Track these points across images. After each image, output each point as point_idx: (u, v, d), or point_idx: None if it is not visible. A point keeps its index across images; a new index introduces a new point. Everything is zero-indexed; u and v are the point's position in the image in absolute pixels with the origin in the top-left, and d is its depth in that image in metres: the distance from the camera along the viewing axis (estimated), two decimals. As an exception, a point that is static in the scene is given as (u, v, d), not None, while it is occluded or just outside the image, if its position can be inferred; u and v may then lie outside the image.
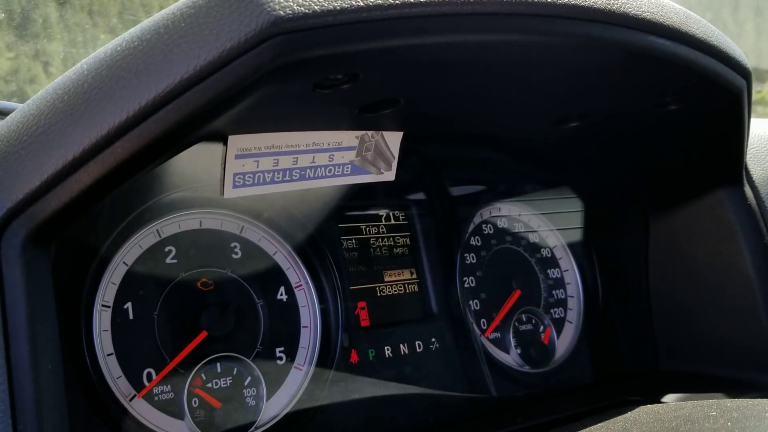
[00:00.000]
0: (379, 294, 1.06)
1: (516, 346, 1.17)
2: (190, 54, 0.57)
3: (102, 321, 0.85)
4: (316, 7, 0.57)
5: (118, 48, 0.61)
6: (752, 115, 1.03)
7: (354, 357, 1.00)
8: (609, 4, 0.72)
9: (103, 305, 0.85)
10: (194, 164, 0.88)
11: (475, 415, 1.04)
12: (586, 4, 0.70)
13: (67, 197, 0.61)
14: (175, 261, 0.92)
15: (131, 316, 0.87)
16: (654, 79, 0.86)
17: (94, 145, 0.59)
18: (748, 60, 0.94)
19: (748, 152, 1.12)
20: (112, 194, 0.64)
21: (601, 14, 0.71)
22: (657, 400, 0.99)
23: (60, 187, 0.61)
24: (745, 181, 1.12)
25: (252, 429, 0.90)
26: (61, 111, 0.61)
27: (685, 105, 0.94)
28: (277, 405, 0.94)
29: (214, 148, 0.81)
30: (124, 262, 0.88)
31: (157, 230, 0.91)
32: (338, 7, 0.58)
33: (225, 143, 0.78)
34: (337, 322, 1.00)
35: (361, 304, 1.04)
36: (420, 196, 1.13)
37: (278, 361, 0.96)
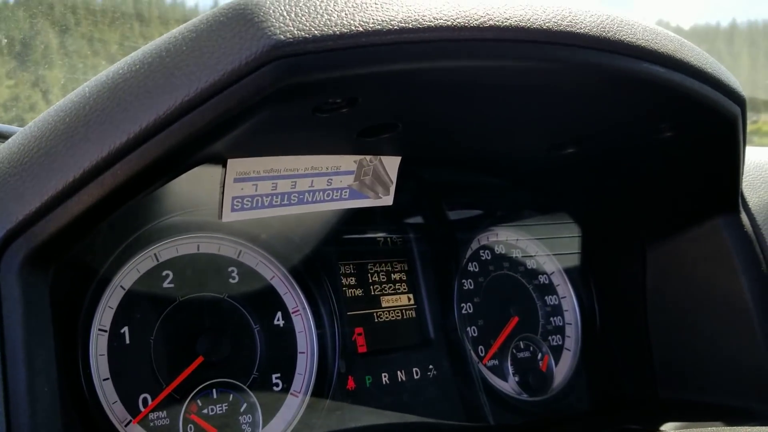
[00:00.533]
0: (376, 320, 1.06)
1: (514, 374, 1.16)
2: (192, 77, 0.58)
3: (99, 345, 0.84)
4: (315, 32, 0.58)
5: (120, 71, 0.62)
6: (747, 144, 1.04)
7: (351, 383, 1.00)
8: (604, 31, 0.73)
9: (100, 329, 0.85)
10: (192, 188, 0.88)
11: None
12: (582, 31, 0.71)
13: (67, 219, 0.61)
14: (172, 285, 0.91)
15: (128, 341, 0.86)
16: (650, 105, 0.87)
17: (94, 166, 0.60)
18: (743, 89, 0.95)
19: (743, 180, 1.13)
20: (111, 217, 0.64)
21: (596, 41, 0.72)
22: (655, 429, 0.98)
23: (60, 209, 0.61)
24: (741, 209, 1.13)
25: (248, 456, 0.89)
26: (62, 133, 0.62)
27: (680, 132, 0.94)
28: (273, 431, 0.93)
29: (213, 172, 0.82)
30: (121, 286, 0.88)
31: (155, 254, 0.91)
32: (337, 32, 0.59)
33: (224, 167, 0.78)
34: (334, 348, 1.00)
35: (359, 329, 1.03)
36: (418, 220, 1.14)
37: (274, 388, 0.95)
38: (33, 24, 1.75)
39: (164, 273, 0.91)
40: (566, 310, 1.27)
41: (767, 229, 1.16)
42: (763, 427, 0.74)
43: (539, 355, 1.20)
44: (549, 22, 0.69)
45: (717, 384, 1.13)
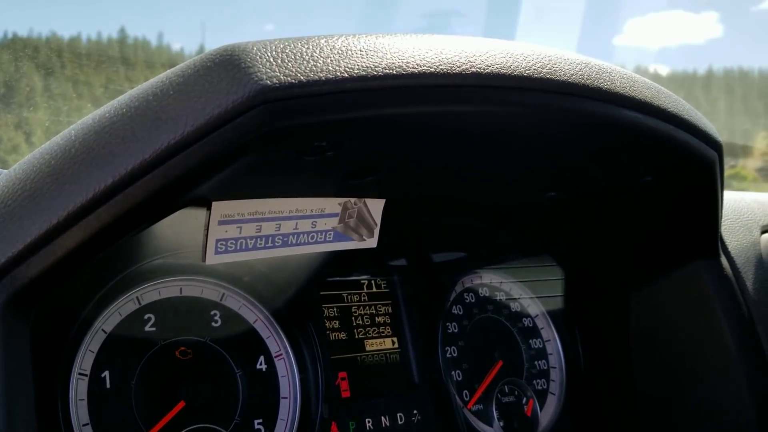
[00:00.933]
0: (360, 363, 1.05)
1: (499, 419, 1.15)
2: (178, 120, 0.59)
3: (78, 390, 0.83)
4: (301, 78, 0.59)
5: (106, 114, 0.62)
6: (727, 188, 1.07)
7: (334, 429, 0.98)
8: (583, 78, 0.75)
9: (80, 373, 0.84)
10: (175, 230, 0.88)
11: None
12: (562, 78, 0.73)
13: (49, 261, 0.61)
14: (154, 329, 0.91)
15: (108, 385, 0.85)
16: (628, 151, 0.89)
17: (79, 209, 0.60)
18: (720, 135, 0.98)
19: (723, 224, 1.15)
20: (94, 260, 0.64)
21: (575, 88, 0.74)
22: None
23: (43, 252, 0.61)
24: (721, 253, 1.14)
25: (229, 504, 0.87)
26: (47, 175, 0.62)
27: (659, 177, 0.96)
28: (255, 479, 0.91)
29: (196, 214, 0.82)
30: (103, 330, 0.87)
31: (137, 297, 0.91)
32: (323, 78, 0.60)
33: (208, 209, 0.79)
34: (317, 393, 0.99)
35: (342, 374, 1.02)
36: (402, 263, 1.14)
37: (257, 433, 0.94)
38: (18, 66, 1.76)
39: (146, 316, 0.91)
40: (551, 354, 1.27)
41: (747, 273, 1.17)
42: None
43: (524, 400, 1.19)
44: (529, 69, 0.71)
45: (700, 428, 1.12)
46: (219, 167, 0.62)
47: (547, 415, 1.22)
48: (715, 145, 0.94)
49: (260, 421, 0.94)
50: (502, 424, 1.15)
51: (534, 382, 1.23)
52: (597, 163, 0.92)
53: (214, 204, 0.78)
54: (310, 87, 0.60)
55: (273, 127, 0.60)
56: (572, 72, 0.74)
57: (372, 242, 0.94)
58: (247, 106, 0.58)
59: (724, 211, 1.17)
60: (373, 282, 1.10)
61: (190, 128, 0.58)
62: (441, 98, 0.67)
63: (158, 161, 0.59)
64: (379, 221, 0.93)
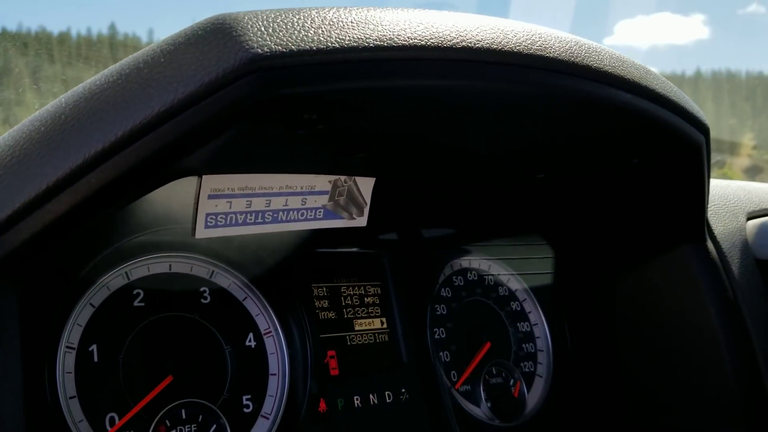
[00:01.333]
0: (349, 343, 1.05)
1: (486, 399, 1.16)
2: (169, 88, 0.59)
3: (66, 363, 0.83)
4: (292, 47, 0.60)
5: (97, 82, 0.62)
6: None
7: (322, 406, 0.99)
8: (573, 56, 0.75)
9: (67, 347, 0.84)
10: (165, 206, 0.88)
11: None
12: (552, 55, 0.73)
13: (38, 227, 0.61)
14: (142, 304, 0.91)
15: (96, 359, 0.85)
16: (617, 132, 0.90)
17: (68, 175, 0.60)
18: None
19: (709, 209, 1.16)
20: (83, 228, 0.64)
21: (564, 65, 0.74)
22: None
23: (32, 218, 0.61)
24: (708, 237, 1.15)
25: (216, 479, 0.88)
26: (37, 142, 0.62)
27: (647, 159, 0.97)
28: (242, 454, 0.92)
29: (185, 189, 0.82)
30: (90, 304, 0.87)
31: (126, 272, 0.91)
32: (314, 48, 0.60)
33: (199, 183, 0.79)
34: (306, 371, 0.99)
35: (331, 352, 1.03)
36: (391, 243, 1.14)
37: (245, 410, 0.94)
38: (6, 61, 1.75)
39: (135, 292, 0.91)
40: (538, 337, 1.28)
41: (733, 258, 1.19)
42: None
43: (511, 381, 1.20)
44: (519, 45, 0.71)
45: (687, 410, 1.14)
46: (209, 136, 0.62)
47: (534, 396, 1.23)
48: (703, 129, 0.95)
49: (249, 396, 0.95)
50: (489, 404, 1.16)
51: (521, 364, 1.24)
52: (585, 144, 0.93)
53: (204, 177, 0.78)
54: (300, 57, 0.60)
55: (263, 97, 0.60)
56: (562, 50, 0.75)
57: (362, 221, 0.94)
58: (238, 74, 0.58)
59: (711, 197, 1.19)
60: (362, 262, 1.11)
61: (180, 95, 0.59)
62: (430, 72, 0.67)
63: (148, 128, 0.59)
64: (369, 200, 0.93)
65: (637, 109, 0.84)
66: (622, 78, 0.81)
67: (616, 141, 0.92)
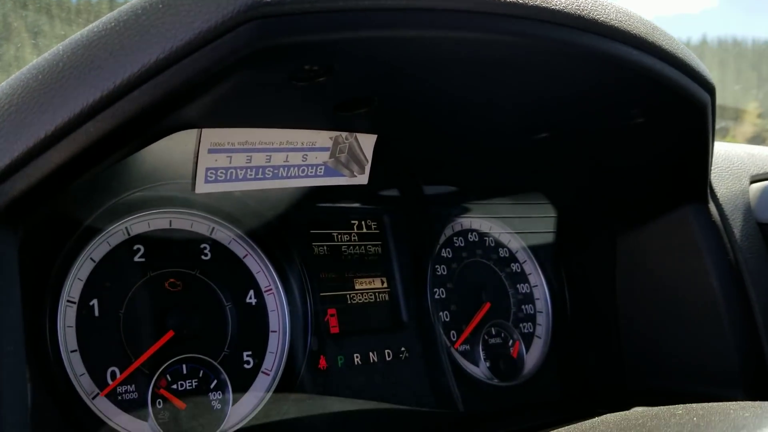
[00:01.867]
0: (349, 301, 1.06)
1: (485, 359, 1.17)
2: (167, 35, 0.58)
3: (67, 317, 0.83)
4: (293, -6, 0.58)
5: (95, 29, 0.61)
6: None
7: (323, 363, 0.99)
8: (578, 9, 0.74)
9: (68, 301, 0.84)
10: (165, 160, 0.88)
11: (443, 428, 1.03)
12: (557, 8, 0.72)
13: (37, 176, 0.60)
14: (143, 260, 0.91)
15: (97, 313, 0.85)
16: (621, 89, 0.88)
17: (66, 124, 0.59)
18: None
19: (712, 171, 1.15)
20: (82, 185, 0.64)
21: (570, 19, 0.73)
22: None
23: (31, 166, 0.60)
24: (710, 199, 1.15)
25: (216, 432, 0.88)
26: (35, 90, 0.61)
27: (651, 118, 0.96)
28: (243, 409, 0.92)
29: (185, 144, 0.81)
30: (91, 258, 0.87)
31: (126, 228, 0.91)
32: (317, -6, 0.59)
33: (198, 137, 0.78)
34: (306, 328, 1.00)
35: (331, 310, 1.03)
36: (393, 202, 1.14)
37: (245, 365, 0.95)
38: (6, 25, 1.72)
39: (135, 247, 0.91)
40: (537, 299, 1.28)
41: (735, 221, 1.18)
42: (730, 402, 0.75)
43: (510, 342, 1.20)
44: (525, -3, 0.70)
45: (685, 372, 1.14)
46: (208, 86, 0.61)
47: (532, 357, 1.23)
48: (708, 88, 0.94)
49: (249, 353, 0.95)
50: (488, 364, 1.16)
51: (520, 325, 1.24)
52: (588, 101, 0.92)
53: (204, 131, 0.78)
54: (302, 4, 0.59)
55: (262, 46, 0.59)
56: (568, 2, 0.73)
57: (363, 179, 0.94)
58: (237, 21, 0.57)
59: (715, 159, 1.17)
60: (363, 222, 1.10)
61: (178, 43, 0.58)
62: (434, 23, 0.66)
63: (146, 76, 0.58)
64: (370, 157, 0.93)
65: (643, 65, 0.83)
66: (629, 33, 0.79)
67: (620, 98, 0.91)
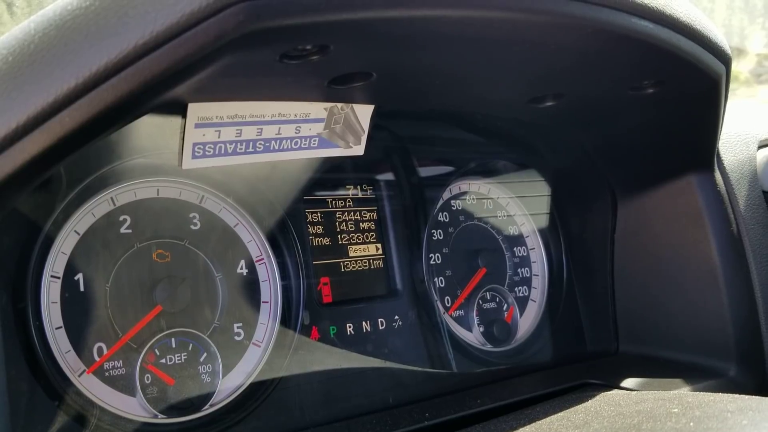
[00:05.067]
0: (343, 269, 1.03)
1: (479, 325, 1.15)
2: (147, 18, 0.53)
3: (51, 292, 0.81)
4: (284, -28, 0.53)
5: (69, 7, 0.56)
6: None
7: (315, 334, 0.98)
8: (592, -18, 0.69)
9: (52, 276, 0.81)
10: (153, 130, 0.83)
11: (435, 395, 1.02)
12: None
13: (10, 168, 0.56)
14: (129, 231, 0.87)
15: (82, 288, 0.83)
16: (634, 61, 0.84)
17: (40, 112, 0.55)
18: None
19: (720, 138, 1.11)
20: (58, 166, 0.60)
21: (584, -7, 0.68)
22: (617, 384, 0.98)
23: (2, 157, 0.56)
24: (716, 167, 1.11)
25: (206, 406, 0.87)
26: (5, 74, 0.56)
27: (663, 89, 0.91)
28: (233, 382, 0.91)
29: (175, 112, 0.77)
30: (75, 231, 0.84)
31: (112, 198, 0.87)
32: (309, -27, 0.54)
33: (184, 111, 0.74)
34: (299, 298, 0.98)
35: (324, 279, 1.01)
36: (389, 171, 1.10)
37: (236, 337, 0.93)
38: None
39: (121, 218, 0.87)
40: (534, 262, 1.26)
41: (740, 189, 1.15)
42: (725, 395, 0.74)
43: (505, 306, 1.19)
44: (536, -28, 0.64)
45: (678, 341, 1.13)
46: (192, 71, 0.56)
47: (526, 321, 1.22)
48: (725, 59, 0.89)
49: (240, 325, 0.93)
50: (481, 329, 1.15)
51: (516, 289, 1.23)
52: (600, 72, 0.87)
53: (191, 106, 0.73)
54: (294, -17, 0.54)
55: (252, 29, 0.54)
56: (581, -25, 0.68)
57: (359, 150, 0.90)
58: (224, 3, 0.53)
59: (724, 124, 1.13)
60: (359, 188, 1.07)
61: (159, 27, 0.53)
62: (438, 1, 0.61)
63: (125, 63, 0.53)
64: (367, 128, 0.88)
65: (659, 39, 0.78)
66: (645, 6, 0.74)
67: (633, 70, 0.87)
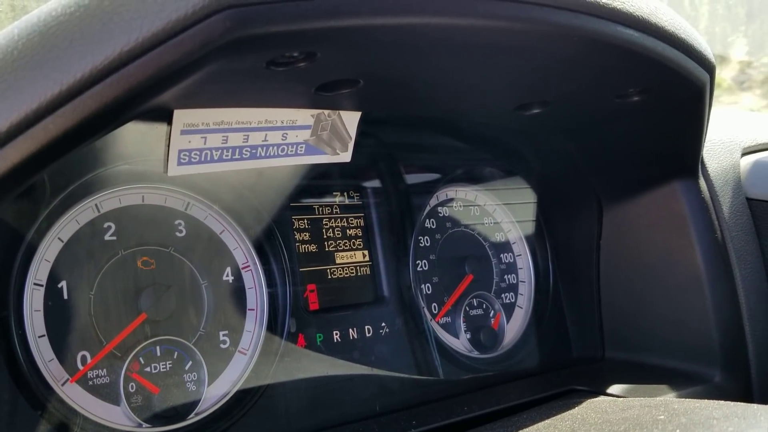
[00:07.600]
0: (329, 276, 1.03)
1: (466, 331, 1.15)
2: (132, 24, 0.53)
3: (34, 300, 0.80)
4: (271, -21, 0.53)
5: (53, 13, 0.55)
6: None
7: (301, 341, 0.97)
8: (578, -10, 0.69)
9: (35, 284, 0.80)
10: (138, 137, 0.83)
11: (422, 402, 1.02)
12: (554, -11, 0.67)
13: (-7, 175, 0.56)
14: (114, 238, 0.87)
15: (65, 296, 0.82)
16: (619, 69, 0.84)
17: (23, 119, 0.54)
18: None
19: (704, 145, 1.12)
20: (42, 173, 0.59)
21: (569, 2, 0.68)
22: (603, 391, 0.99)
23: (-16, 164, 0.55)
24: (701, 174, 1.12)
25: (192, 414, 0.87)
26: (-14, 79, 0.55)
27: (648, 97, 0.92)
28: (219, 390, 0.90)
29: (160, 120, 0.77)
30: (59, 238, 0.83)
31: (96, 205, 0.86)
32: (296, -20, 0.54)
33: (170, 118, 0.73)
34: (285, 306, 0.97)
35: (311, 286, 1.00)
36: (375, 177, 1.10)
37: (221, 345, 0.92)
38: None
39: (106, 225, 0.86)
40: (521, 268, 1.26)
41: (724, 196, 1.16)
42: (711, 401, 0.74)
43: (491, 313, 1.19)
44: (520, -21, 0.65)
45: (663, 347, 1.14)
46: (177, 78, 0.56)
47: (513, 328, 1.22)
48: (709, 67, 0.90)
49: (226, 332, 0.93)
50: (468, 336, 1.15)
51: (503, 295, 1.23)
52: (586, 81, 0.87)
53: (176, 112, 0.73)
54: (281, -9, 0.54)
55: (238, 36, 0.54)
56: (567, -17, 0.68)
57: (346, 156, 0.90)
58: (209, 10, 0.53)
59: (709, 130, 1.14)
60: (345, 195, 1.07)
61: (145, 34, 0.53)
62: (423, 9, 0.61)
63: (109, 70, 0.53)
64: (354, 135, 0.88)
65: (644, 47, 0.79)
66: (631, 15, 0.75)
67: (619, 78, 0.87)
